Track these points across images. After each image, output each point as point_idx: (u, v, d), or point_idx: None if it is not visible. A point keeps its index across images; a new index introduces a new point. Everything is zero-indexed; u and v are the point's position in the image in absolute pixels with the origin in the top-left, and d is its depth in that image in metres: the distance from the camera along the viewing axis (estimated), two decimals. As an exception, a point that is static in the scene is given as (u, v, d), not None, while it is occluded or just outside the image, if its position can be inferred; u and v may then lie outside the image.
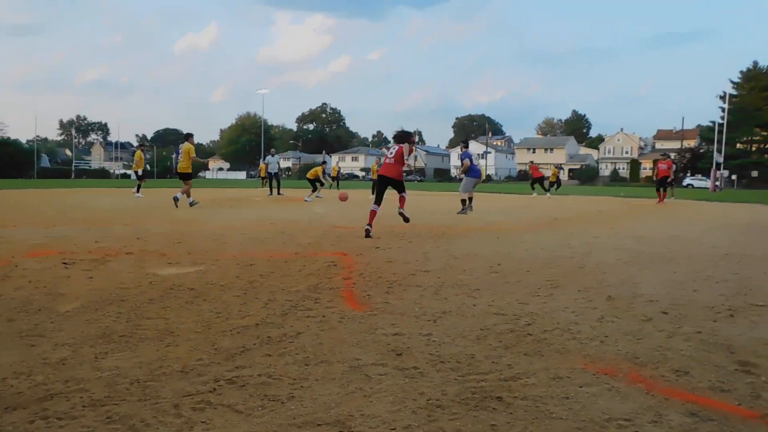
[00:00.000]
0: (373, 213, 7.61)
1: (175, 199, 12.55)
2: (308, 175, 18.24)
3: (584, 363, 2.57)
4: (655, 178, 19.34)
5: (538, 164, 25.01)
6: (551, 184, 25.11)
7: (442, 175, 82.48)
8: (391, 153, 7.91)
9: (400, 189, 7.98)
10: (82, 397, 2.11)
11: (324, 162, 20.62)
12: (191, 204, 12.84)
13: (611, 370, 2.49)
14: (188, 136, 13.83)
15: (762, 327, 3.23)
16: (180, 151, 13.57)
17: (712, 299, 3.93)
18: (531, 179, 23.95)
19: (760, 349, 2.82)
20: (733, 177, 55.35)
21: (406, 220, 8.13)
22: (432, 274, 4.70)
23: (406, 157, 7.82)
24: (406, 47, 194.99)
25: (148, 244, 6.28)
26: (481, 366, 2.51)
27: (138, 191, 16.98)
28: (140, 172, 17.21)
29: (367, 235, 7.21)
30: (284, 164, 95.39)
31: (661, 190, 18.06)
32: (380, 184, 7.99)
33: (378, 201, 7.79)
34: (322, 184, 18.35)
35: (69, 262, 4.97)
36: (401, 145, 7.92)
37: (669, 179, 18.12)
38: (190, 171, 13.39)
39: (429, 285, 4.26)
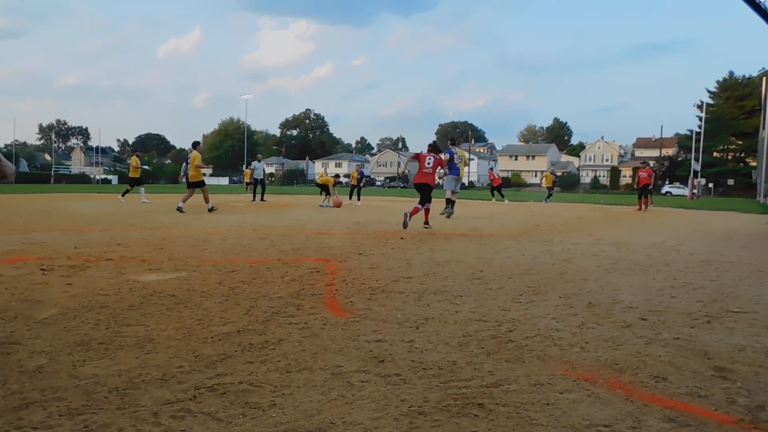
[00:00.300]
0: (416, 209, 9.11)
1: (179, 209, 12.32)
2: (319, 181, 18.14)
3: (565, 369, 2.60)
4: (636, 187, 20.14)
5: (497, 173, 26.41)
6: (549, 190, 25.59)
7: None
8: (428, 163, 9.31)
9: (429, 199, 9.36)
10: (59, 406, 2.08)
11: (337, 176, 20.39)
12: (210, 210, 12.61)
13: (591, 376, 2.51)
14: (196, 145, 13.61)
15: (738, 333, 3.29)
16: (189, 160, 13.44)
17: (690, 306, 3.99)
18: (490, 187, 25.25)
19: (736, 355, 2.87)
20: (710, 185, 56.36)
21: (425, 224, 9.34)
22: (415, 281, 4.71)
23: (442, 167, 9.77)
24: (389, 54, 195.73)
25: (128, 250, 6.21)
26: (463, 373, 2.52)
27: (123, 196, 16.69)
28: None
29: (405, 226, 8.77)
30: (268, 170, 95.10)
31: (643, 197, 18.35)
32: (421, 191, 9.45)
33: (423, 201, 9.34)
34: (327, 194, 18.20)
35: (47, 269, 4.89)
36: (437, 156, 9.43)
37: (650, 186, 18.45)
38: (201, 178, 13.28)
39: (412, 291, 4.27)
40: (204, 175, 13.93)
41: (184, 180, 14.32)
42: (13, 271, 4.79)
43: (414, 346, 2.89)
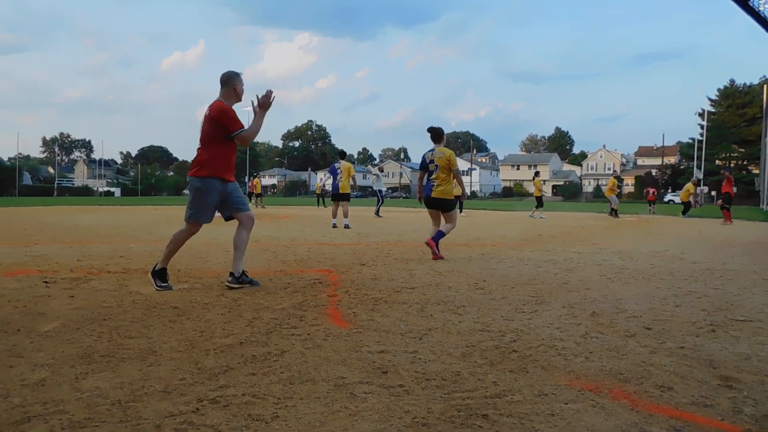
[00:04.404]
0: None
1: (347, 227, 12.11)
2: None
3: (569, 379, 2.58)
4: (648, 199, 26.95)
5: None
6: (538, 199, 20.42)
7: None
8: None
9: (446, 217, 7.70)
10: (61, 419, 2.07)
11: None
12: (346, 227, 12.19)
13: (596, 386, 2.49)
14: (344, 155, 13.28)
15: (743, 342, 3.27)
16: (338, 170, 12.87)
17: (694, 314, 3.97)
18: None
19: (742, 364, 2.85)
20: (713, 193, 56.25)
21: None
22: (417, 291, 4.70)
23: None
24: (391, 65, 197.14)
25: (131, 262, 6.21)
26: (467, 383, 2.51)
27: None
28: None
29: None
30: (270, 181, 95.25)
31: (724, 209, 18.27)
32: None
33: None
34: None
35: (50, 281, 4.90)
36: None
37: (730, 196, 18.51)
38: (349, 190, 12.87)
39: (414, 302, 4.26)
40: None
41: (324, 191, 13.88)
42: (16, 283, 4.79)
43: (417, 357, 2.88)
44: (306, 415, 2.14)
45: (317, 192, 31.81)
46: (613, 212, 20.62)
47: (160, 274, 4.66)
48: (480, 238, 10.48)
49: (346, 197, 12.82)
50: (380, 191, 18.69)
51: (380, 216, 17.76)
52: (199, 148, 4.70)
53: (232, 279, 4.69)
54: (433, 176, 7.04)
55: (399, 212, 21.51)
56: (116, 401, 2.24)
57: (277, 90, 4.93)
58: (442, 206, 7.10)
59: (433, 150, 7.14)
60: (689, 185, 22.82)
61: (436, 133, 7.24)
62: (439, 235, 6.98)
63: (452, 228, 7.16)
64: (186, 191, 4.97)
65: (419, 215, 20.13)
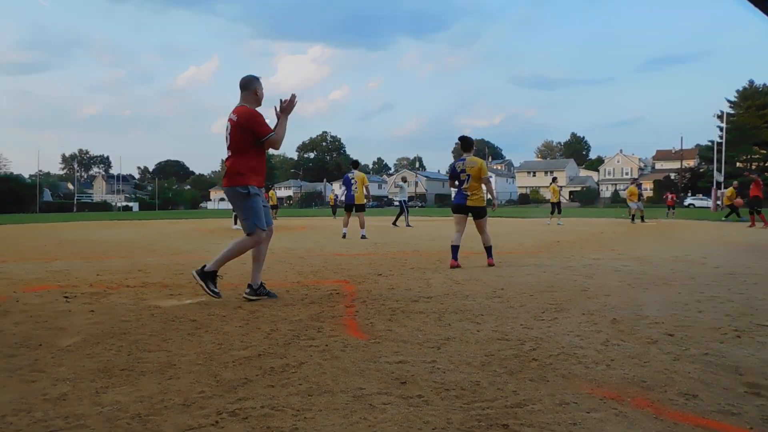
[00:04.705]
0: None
1: (363, 237, 12.05)
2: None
3: (590, 388, 2.54)
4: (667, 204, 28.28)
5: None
6: (553, 206, 20.47)
7: (443, 201, 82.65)
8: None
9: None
10: (82, 434, 2.08)
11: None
12: (363, 237, 12.14)
13: (618, 394, 2.45)
14: (357, 164, 13.11)
15: (769, 347, 3.19)
16: (352, 180, 12.66)
17: (718, 320, 3.90)
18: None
19: (769, 369, 2.78)
20: (734, 196, 55.35)
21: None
22: (434, 301, 4.67)
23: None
24: (404, 75, 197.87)
25: (149, 276, 6.27)
26: (486, 393, 2.48)
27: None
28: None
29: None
30: (285, 193, 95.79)
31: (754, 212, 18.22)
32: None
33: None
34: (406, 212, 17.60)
35: (70, 296, 4.95)
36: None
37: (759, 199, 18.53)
38: (364, 201, 12.72)
39: (432, 311, 4.23)
40: (209, 200, 13.22)
41: (339, 202, 13.78)
42: (37, 299, 4.85)
43: (436, 367, 2.85)
44: (325, 426, 2.13)
45: (330, 203, 31.85)
46: (633, 218, 20.51)
47: (211, 277, 4.59)
48: (497, 245, 10.39)
49: (361, 208, 12.69)
50: (404, 201, 18.24)
51: (410, 226, 17.50)
52: (230, 157, 4.59)
53: (250, 291, 4.70)
54: (465, 186, 7.18)
55: (415, 221, 21.44)
56: (136, 415, 2.24)
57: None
58: (476, 213, 7.23)
59: (464, 159, 7.26)
60: (731, 190, 22.75)
61: (466, 142, 7.37)
62: (489, 250, 7.24)
63: (488, 235, 7.33)
64: (221, 204, 4.90)
65: (435, 224, 20.09)
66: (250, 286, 4.71)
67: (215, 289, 4.59)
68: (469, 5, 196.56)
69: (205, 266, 4.64)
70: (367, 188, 12.85)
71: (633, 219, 20.47)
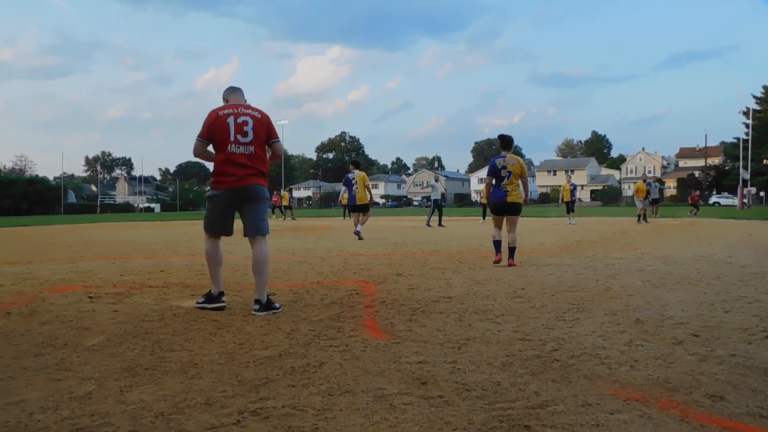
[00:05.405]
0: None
1: (357, 234, 12.01)
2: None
3: (614, 389, 2.50)
4: (690, 202, 28.43)
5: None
6: (567, 205, 20.27)
7: (462, 200, 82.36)
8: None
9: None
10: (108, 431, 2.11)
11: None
12: (358, 234, 12.06)
13: (642, 396, 2.41)
14: (358, 164, 13.05)
15: (799, 348, 3.12)
16: (353, 180, 12.52)
17: (746, 321, 3.82)
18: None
19: (799, 371, 2.71)
20: (762, 193, 54.29)
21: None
22: (455, 301, 4.65)
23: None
24: (422, 74, 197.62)
25: (171, 277, 6.34)
26: (508, 393, 2.46)
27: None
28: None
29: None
30: (305, 193, 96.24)
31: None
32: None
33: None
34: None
35: (94, 296, 5.03)
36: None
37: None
38: (367, 201, 12.55)
39: (452, 311, 4.21)
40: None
41: (343, 203, 13.57)
42: (62, 299, 4.94)
43: (456, 367, 2.84)
44: (346, 426, 2.13)
45: (342, 203, 31.98)
46: (639, 218, 19.49)
47: (269, 302, 4.40)
48: (518, 245, 10.33)
49: (363, 208, 12.55)
50: (437, 200, 17.82)
51: (443, 226, 17.22)
52: (256, 153, 4.46)
53: (259, 307, 4.36)
54: (505, 182, 7.26)
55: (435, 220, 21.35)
56: (160, 413, 2.27)
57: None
58: (515, 211, 7.34)
59: (504, 157, 7.34)
60: None
61: (506, 141, 7.48)
62: (513, 251, 7.23)
63: (516, 235, 7.39)
64: (254, 205, 4.88)
65: (456, 223, 20.00)
66: (258, 301, 4.38)
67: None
68: (488, 3, 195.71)
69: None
70: (368, 188, 12.68)
71: (639, 219, 19.45)
